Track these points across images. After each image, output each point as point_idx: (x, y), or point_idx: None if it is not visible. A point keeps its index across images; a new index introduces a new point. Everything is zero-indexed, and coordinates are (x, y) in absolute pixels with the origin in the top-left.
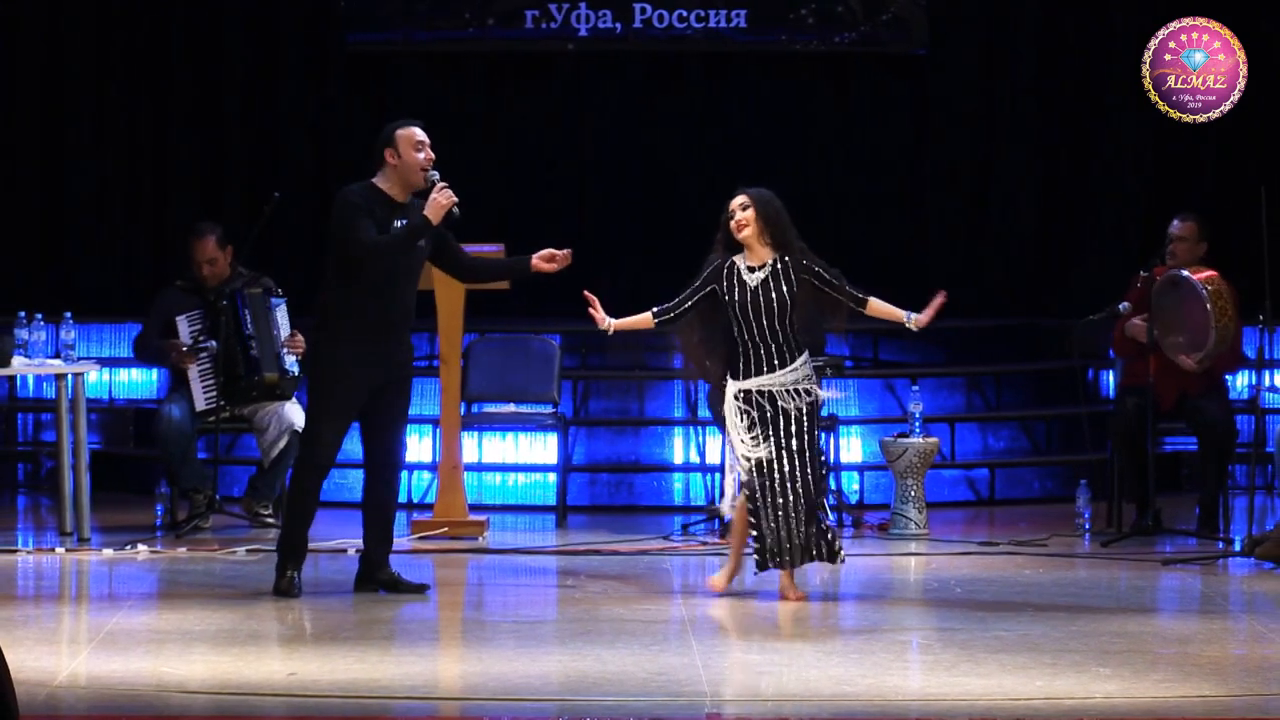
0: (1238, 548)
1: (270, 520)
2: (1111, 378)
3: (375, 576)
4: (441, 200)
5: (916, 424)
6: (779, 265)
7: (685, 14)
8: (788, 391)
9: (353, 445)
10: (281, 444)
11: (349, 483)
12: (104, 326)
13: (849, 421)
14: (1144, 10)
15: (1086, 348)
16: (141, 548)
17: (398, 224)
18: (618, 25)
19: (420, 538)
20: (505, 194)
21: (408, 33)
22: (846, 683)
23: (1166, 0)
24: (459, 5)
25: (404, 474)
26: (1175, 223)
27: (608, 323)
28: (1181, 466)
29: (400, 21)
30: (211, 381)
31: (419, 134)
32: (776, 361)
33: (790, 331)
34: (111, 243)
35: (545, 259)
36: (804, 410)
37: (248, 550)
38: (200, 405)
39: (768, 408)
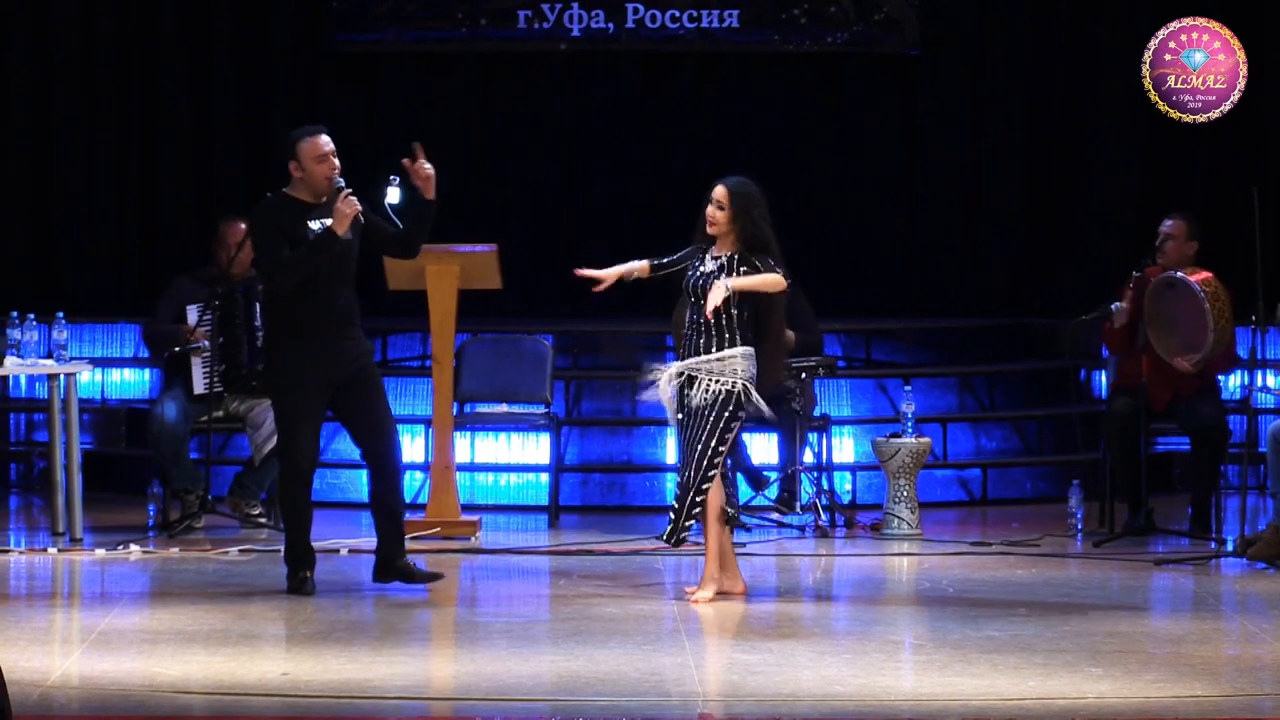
0: (1230, 548)
1: (262, 520)
2: (1104, 378)
3: (390, 568)
4: (345, 210)
5: (909, 424)
6: (733, 259)
7: (678, 14)
8: (708, 378)
9: (344, 445)
10: (275, 441)
11: (340, 483)
12: (96, 326)
13: (841, 421)
14: (1135, 10)
15: (1079, 347)
16: (134, 548)
17: (313, 224)
18: (610, 25)
19: (413, 538)
20: (497, 194)
21: (399, 33)
22: (839, 683)
23: (1166, 0)
24: (451, 5)
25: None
26: (1165, 221)
27: (607, 272)
28: (1174, 466)
29: (391, 21)
30: (211, 368)
31: (322, 145)
32: (707, 347)
33: (730, 324)
34: (102, 243)
35: (417, 170)
36: (713, 400)
37: (240, 550)
38: (198, 388)
39: (687, 390)
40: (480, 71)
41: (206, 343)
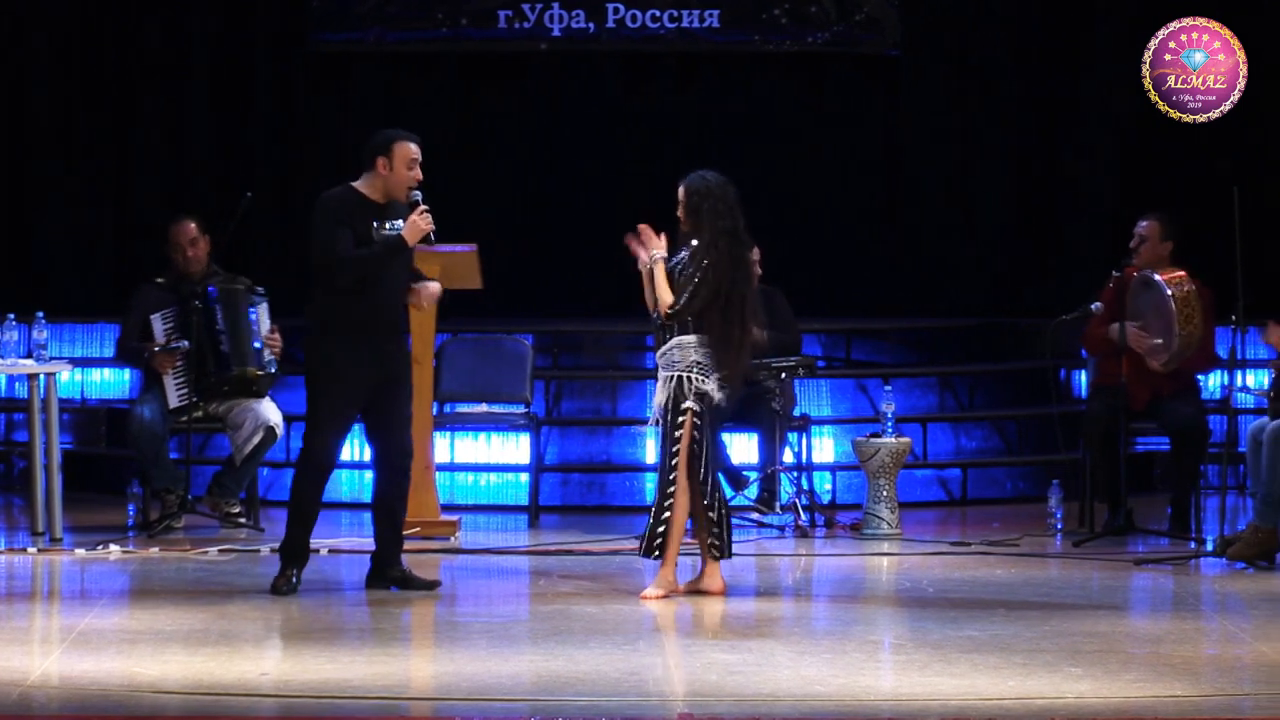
0: (1210, 548)
1: (242, 520)
2: (1084, 377)
3: (387, 574)
4: (421, 224)
5: (889, 424)
6: (683, 252)
7: (658, 14)
8: (660, 373)
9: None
10: (256, 440)
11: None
12: (76, 326)
13: (821, 421)
14: (1117, 11)
15: (1059, 348)
16: (114, 548)
17: (376, 226)
18: (591, 25)
19: None
20: (478, 194)
21: (379, 33)
22: (819, 683)
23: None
24: (431, 5)
25: (373, 476)
26: (1140, 222)
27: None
28: (1154, 466)
29: (371, 21)
30: (184, 379)
31: (415, 151)
32: (661, 341)
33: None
34: (82, 243)
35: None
36: (664, 396)
37: (220, 550)
38: (173, 402)
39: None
40: (461, 72)
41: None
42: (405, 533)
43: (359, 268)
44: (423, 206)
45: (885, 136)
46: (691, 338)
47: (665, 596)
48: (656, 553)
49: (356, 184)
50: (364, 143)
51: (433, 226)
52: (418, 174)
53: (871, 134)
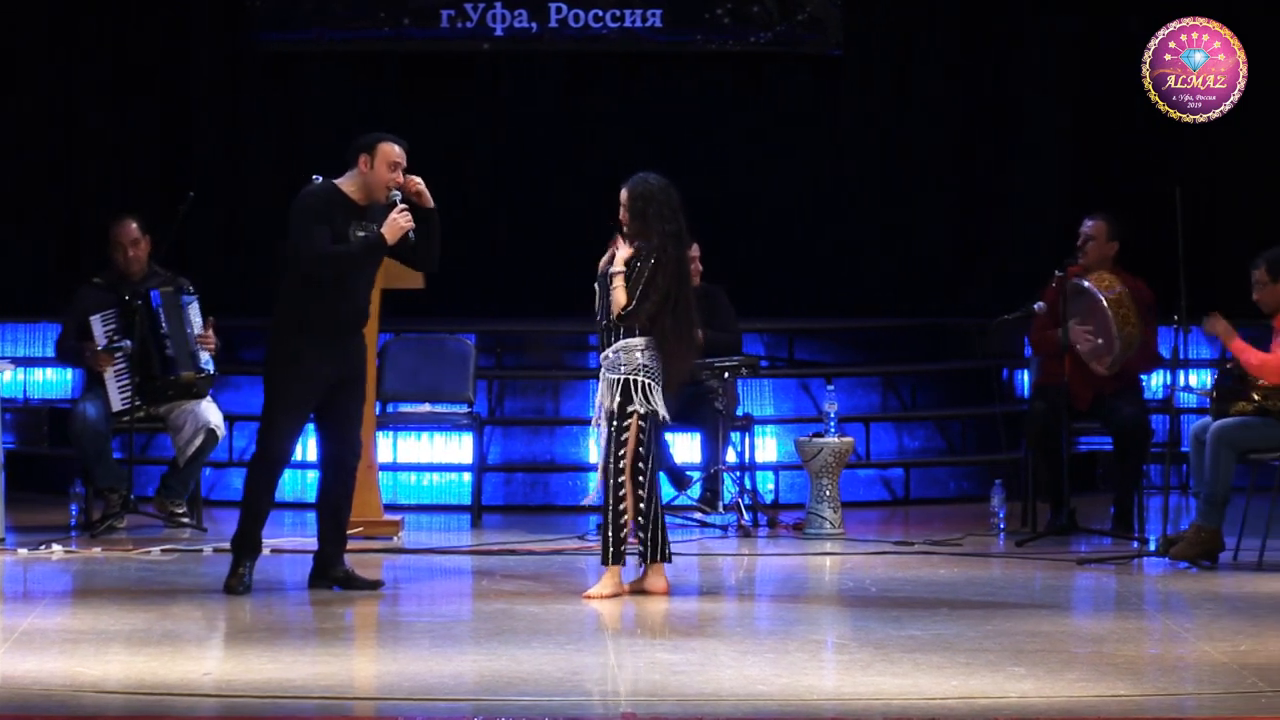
0: (1152, 547)
1: (186, 520)
2: (1026, 377)
3: (329, 574)
4: (400, 223)
5: (832, 423)
6: (626, 254)
7: (601, 14)
8: (604, 374)
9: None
10: (197, 442)
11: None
12: (18, 326)
13: (764, 421)
14: (1058, 10)
15: (1001, 347)
16: (56, 547)
17: (354, 227)
18: (534, 25)
19: None
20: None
21: (322, 32)
22: (761, 682)
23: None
24: (374, 5)
25: (318, 473)
26: (1086, 222)
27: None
28: (1096, 466)
29: (315, 21)
30: (127, 381)
31: (398, 154)
32: (608, 342)
33: (610, 319)
34: (24, 242)
35: (410, 182)
36: (610, 398)
37: (163, 550)
38: (116, 405)
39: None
40: (403, 71)
41: (112, 368)
42: (349, 533)
43: (336, 264)
44: (402, 205)
45: (827, 136)
46: (638, 340)
47: (612, 596)
48: (620, 558)
49: (339, 181)
50: (305, 142)
51: (412, 225)
52: (399, 176)
53: (814, 134)
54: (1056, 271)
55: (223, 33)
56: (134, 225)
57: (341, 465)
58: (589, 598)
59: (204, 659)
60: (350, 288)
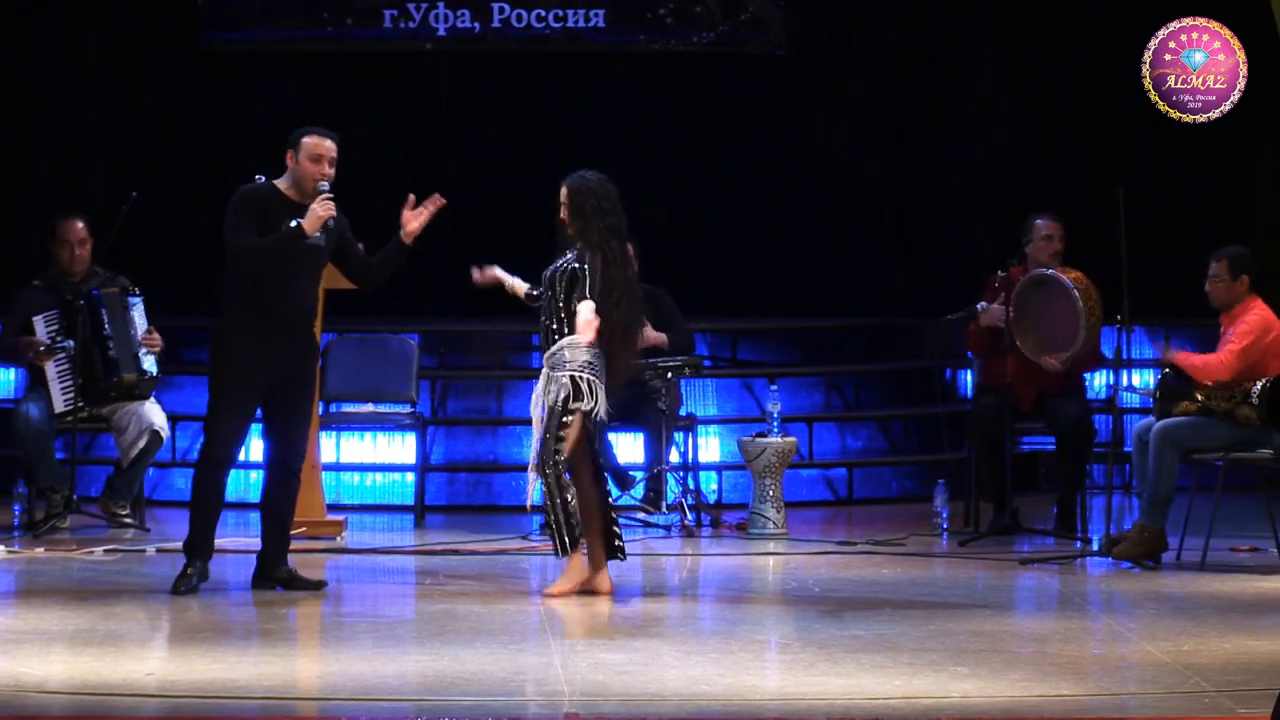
0: (1095, 547)
1: (129, 521)
2: (969, 377)
3: (273, 574)
4: (320, 211)
5: (774, 424)
6: (570, 253)
7: (544, 14)
8: (549, 376)
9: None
10: (141, 444)
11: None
12: None
13: (707, 421)
14: (1000, 10)
15: (943, 347)
16: None
17: (291, 222)
18: (476, 25)
19: None
20: (362, 193)
21: (266, 32)
22: (704, 682)
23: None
24: (318, 5)
25: (262, 474)
26: (1040, 221)
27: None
28: (1039, 466)
29: (259, 21)
30: (70, 382)
31: (324, 147)
32: (549, 342)
33: (558, 318)
34: None
35: (411, 215)
36: (554, 394)
37: (105, 550)
38: (59, 406)
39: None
40: (346, 71)
41: (54, 367)
42: (292, 532)
43: (257, 258)
44: (325, 195)
45: (770, 136)
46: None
47: (576, 588)
48: (579, 547)
49: (278, 181)
50: (250, 142)
51: (332, 213)
52: (324, 170)
53: (756, 133)
54: (999, 271)
55: (170, 32)
56: (81, 225)
57: (285, 468)
58: (551, 595)
59: (147, 659)
60: (289, 285)
